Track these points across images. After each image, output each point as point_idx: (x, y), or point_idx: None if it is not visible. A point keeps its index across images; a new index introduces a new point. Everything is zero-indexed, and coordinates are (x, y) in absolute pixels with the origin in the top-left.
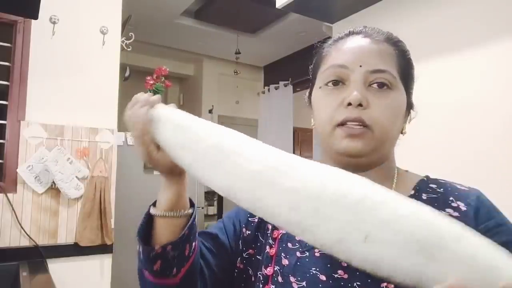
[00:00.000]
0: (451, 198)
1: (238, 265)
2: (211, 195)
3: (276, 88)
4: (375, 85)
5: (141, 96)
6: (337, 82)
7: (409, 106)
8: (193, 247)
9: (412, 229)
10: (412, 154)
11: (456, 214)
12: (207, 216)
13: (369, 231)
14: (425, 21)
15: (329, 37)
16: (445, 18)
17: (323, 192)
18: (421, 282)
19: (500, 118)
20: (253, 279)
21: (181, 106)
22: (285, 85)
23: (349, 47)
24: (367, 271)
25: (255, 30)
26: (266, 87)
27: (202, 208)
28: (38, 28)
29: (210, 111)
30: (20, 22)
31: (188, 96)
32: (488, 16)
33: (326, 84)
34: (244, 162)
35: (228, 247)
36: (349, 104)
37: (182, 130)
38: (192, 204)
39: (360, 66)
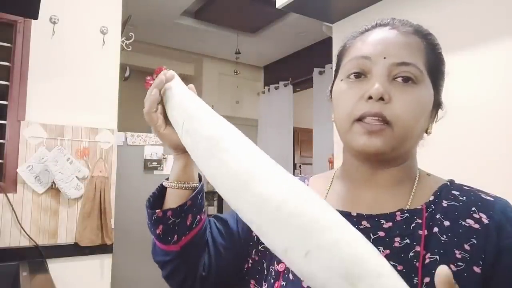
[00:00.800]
0: (473, 209)
1: (253, 256)
2: (211, 195)
3: (276, 88)
4: (399, 79)
5: (158, 78)
6: (359, 75)
7: (437, 104)
8: (197, 219)
9: (345, 258)
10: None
11: (477, 226)
12: (207, 216)
13: (310, 249)
14: (425, 21)
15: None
16: (446, 17)
17: (283, 206)
18: None
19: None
20: (265, 272)
21: None
22: (285, 85)
23: (374, 38)
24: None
25: (255, 30)
26: (266, 87)
27: None
28: (38, 28)
29: None
30: (20, 22)
31: None
32: (488, 15)
33: (348, 77)
34: (228, 160)
35: (236, 235)
36: (370, 97)
37: (187, 116)
38: (200, 180)
39: (384, 58)
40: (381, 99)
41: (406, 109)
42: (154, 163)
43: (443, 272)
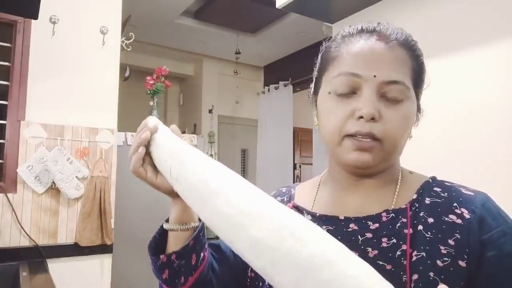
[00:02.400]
0: (455, 204)
1: (249, 274)
2: None
3: (276, 88)
4: (388, 96)
5: (142, 135)
6: (349, 91)
7: (418, 110)
8: (201, 257)
9: None
10: (415, 155)
11: (459, 221)
12: None
13: (315, 286)
14: (425, 21)
15: (331, 36)
16: (446, 17)
17: (281, 245)
18: None
19: (503, 118)
20: (261, 285)
21: (181, 106)
22: (285, 85)
23: (362, 52)
24: None
25: (255, 30)
26: (266, 87)
27: None
28: (38, 28)
29: (210, 111)
30: (20, 22)
31: (188, 96)
32: (488, 15)
33: (337, 93)
34: (221, 204)
35: (231, 257)
36: (361, 117)
37: (173, 164)
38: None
39: (374, 76)
40: (372, 118)
41: (395, 126)
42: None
43: None
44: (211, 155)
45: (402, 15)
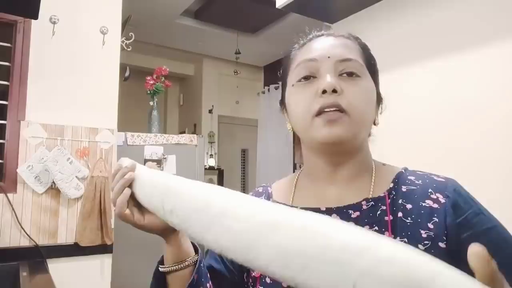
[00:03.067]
0: (430, 190)
1: (245, 279)
2: None
3: (276, 88)
4: (345, 74)
5: (125, 176)
6: (308, 77)
7: (379, 98)
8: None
9: (393, 274)
10: (407, 153)
11: (436, 205)
12: None
13: (355, 280)
14: (425, 21)
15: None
16: (445, 18)
17: (308, 247)
18: None
19: (497, 118)
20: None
21: (181, 106)
22: None
23: (316, 45)
24: None
25: (255, 30)
26: (266, 87)
27: None
28: (38, 28)
29: (210, 111)
30: (20, 22)
31: (188, 96)
32: (487, 16)
33: (299, 80)
34: (231, 223)
35: (226, 273)
36: (324, 91)
37: (164, 197)
38: (196, 250)
39: (329, 57)
40: (334, 91)
41: (357, 98)
42: (154, 163)
43: (476, 249)
44: (211, 155)
45: (402, 15)
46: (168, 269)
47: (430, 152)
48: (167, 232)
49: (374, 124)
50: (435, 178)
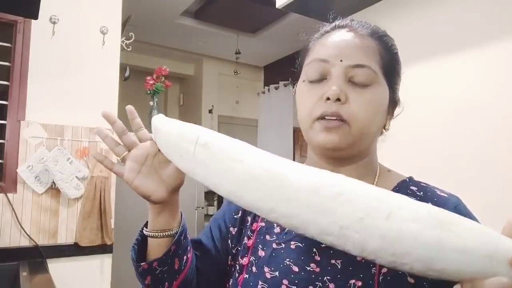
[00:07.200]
0: (430, 204)
1: (229, 262)
2: (211, 195)
3: (276, 88)
4: (355, 81)
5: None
6: (319, 77)
7: (393, 102)
8: (184, 260)
9: (429, 209)
10: (409, 155)
11: None
12: (207, 216)
13: (391, 210)
14: (425, 21)
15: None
16: (445, 18)
17: (337, 187)
18: (434, 261)
19: (495, 118)
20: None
21: (181, 106)
22: (285, 85)
23: (332, 41)
24: (374, 253)
25: (255, 30)
26: (266, 87)
27: (202, 208)
28: (38, 28)
29: (210, 111)
30: (20, 22)
31: (188, 96)
32: (487, 16)
33: (309, 79)
34: (241, 167)
35: (212, 251)
36: (328, 98)
37: (200, 131)
38: (181, 221)
39: (341, 60)
40: (338, 100)
41: (362, 109)
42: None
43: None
44: None
45: (402, 15)
46: (151, 233)
47: (431, 152)
48: (154, 199)
49: (384, 129)
50: (438, 192)
